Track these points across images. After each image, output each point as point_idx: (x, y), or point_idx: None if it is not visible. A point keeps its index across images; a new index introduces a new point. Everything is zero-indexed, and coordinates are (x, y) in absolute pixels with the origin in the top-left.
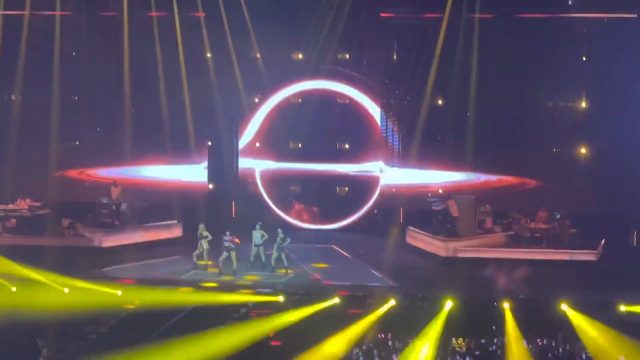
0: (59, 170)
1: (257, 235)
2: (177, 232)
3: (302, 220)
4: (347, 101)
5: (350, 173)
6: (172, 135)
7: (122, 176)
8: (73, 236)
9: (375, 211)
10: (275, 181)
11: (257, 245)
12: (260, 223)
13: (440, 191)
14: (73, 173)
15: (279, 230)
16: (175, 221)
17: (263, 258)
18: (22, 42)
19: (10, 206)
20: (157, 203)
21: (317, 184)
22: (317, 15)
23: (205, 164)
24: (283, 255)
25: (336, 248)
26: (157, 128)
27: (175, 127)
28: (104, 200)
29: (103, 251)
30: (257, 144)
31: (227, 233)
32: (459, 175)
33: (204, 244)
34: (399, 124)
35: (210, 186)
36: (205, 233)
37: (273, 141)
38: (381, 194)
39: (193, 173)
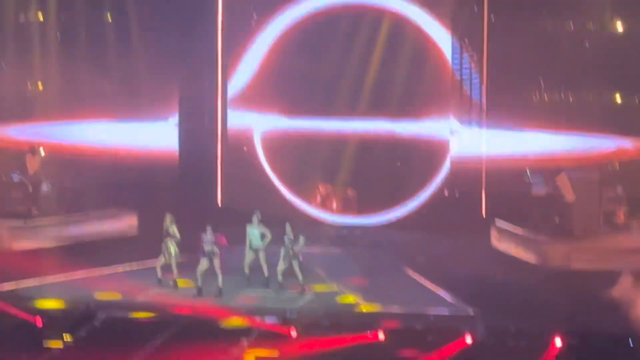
0: None
1: (255, 234)
2: (129, 227)
3: (329, 211)
4: (398, 22)
5: (405, 135)
6: (124, 74)
7: (44, 139)
8: None
9: (447, 193)
10: (286, 148)
11: (254, 249)
12: (258, 214)
13: (546, 167)
14: None
15: (288, 227)
16: (127, 210)
17: (265, 269)
18: None
19: None
20: (98, 182)
21: (354, 154)
22: None
23: (176, 119)
24: (296, 265)
25: (382, 254)
26: (99, 63)
27: (128, 62)
28: (15, 177)
29: (13, 256)
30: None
31: (209, 230)
32: (576, 140)
33: (171, 247)
34: (482, 58)
35: (182, 155)
36: (173, 229)
37: (283, 85)
38: (453, 169)
39: (156, 134)
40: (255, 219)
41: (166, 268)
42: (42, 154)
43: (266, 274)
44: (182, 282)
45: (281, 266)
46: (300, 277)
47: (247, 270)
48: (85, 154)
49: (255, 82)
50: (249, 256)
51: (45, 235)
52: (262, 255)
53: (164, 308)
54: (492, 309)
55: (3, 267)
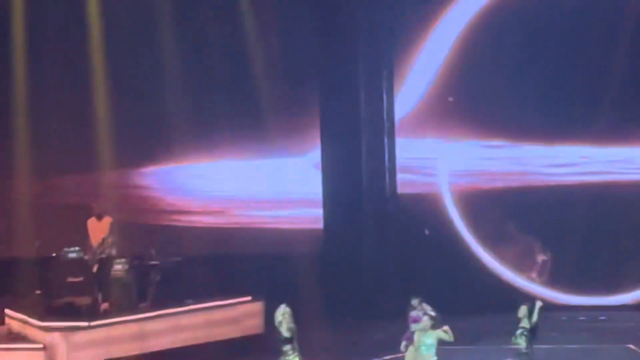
0: None
1: (427, 342)
2: (252, 321)
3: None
4: None
5: None
6: (224, 90)
7: (116, 194)
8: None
9: None
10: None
11: None
12: (420, 300)
13: None
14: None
15: (525, 317)
16: (249, 297)
17: None
18: None
19: None
20: (201, 256)
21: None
22: None
23: (318, 156)
24: None
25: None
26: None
27: (230, 76)
28: (71, 254)
29: None
30: (450, 99)
31: (416, 304)
32: None
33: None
34: None
35: (326, 210)
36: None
37: (480, 95)
38: None
39: (286, 182)
40: (422, 313)
41: None
42: (110, 217)
43: None
44: None
45: None
46: None
47: None
48: (179, 219)
49: (440, 89)
50: None
51: (120, 342)
52: None
53: None
54: None
55: None
